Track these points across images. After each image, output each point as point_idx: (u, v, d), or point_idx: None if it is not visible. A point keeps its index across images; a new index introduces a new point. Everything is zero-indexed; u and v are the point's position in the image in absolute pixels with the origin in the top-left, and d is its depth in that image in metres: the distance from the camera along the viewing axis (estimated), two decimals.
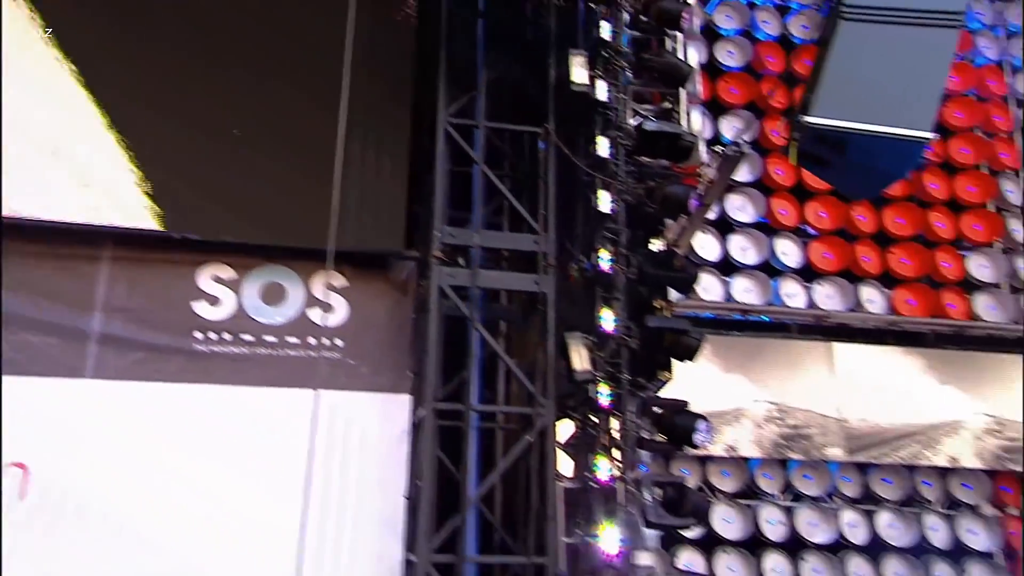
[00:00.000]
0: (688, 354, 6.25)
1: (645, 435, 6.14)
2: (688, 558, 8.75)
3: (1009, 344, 9.73)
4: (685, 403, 6.11)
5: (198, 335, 6.56)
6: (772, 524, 9.13)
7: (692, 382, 8.87)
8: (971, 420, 9.40)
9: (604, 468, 5.82)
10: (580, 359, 6.10)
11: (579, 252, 6.77)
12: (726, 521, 9.14)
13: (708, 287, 9.91)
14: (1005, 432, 9.38)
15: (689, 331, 6.27)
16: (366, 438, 6.48)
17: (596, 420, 6.13)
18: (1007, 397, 9.50)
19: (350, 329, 6.79)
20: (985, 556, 9.15)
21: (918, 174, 10.28)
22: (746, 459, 9.28)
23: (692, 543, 8.90)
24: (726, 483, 9.29)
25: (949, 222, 10.16)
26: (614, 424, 6.09)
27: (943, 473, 9.41)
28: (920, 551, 9.07)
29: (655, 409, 6.22)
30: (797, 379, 9.46)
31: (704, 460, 9.27)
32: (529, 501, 6.24)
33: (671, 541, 8.90)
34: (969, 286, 10.03)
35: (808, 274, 10.02)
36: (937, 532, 9.17)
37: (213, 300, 6.67)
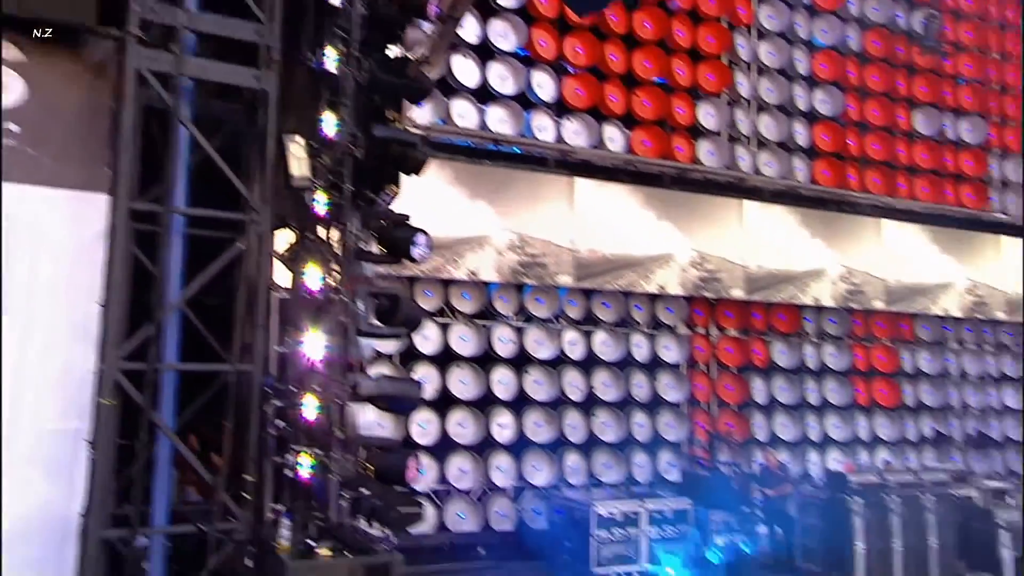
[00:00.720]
0: (415, 168, 6.11)
1: (366, 247, 6.05)
2: (424, 372, 9.22)
3: (721, 188, 10.92)
4: (406, 216, 6.06)
5: None
6: (503, 342, 9.86)
7: (439, 208, 8.97)
8: (680, 254, 10.60)
9: (315, 277, 5.69)
10: (299, 165, 5.75)
11: (307, 49, 6.19)
12: (462, 339, 9.71)
13: (464, 114, 9.85)
14: (705, 265, 10.72)
15: (417, 145, 6.11)
16: (50, 239, 5.72)
17: (315, 229, 5.92)
18: (711, 234, 10.80)
19: (29, 113, 5.76)
20: (673, 367, 10.71)
21: (669, 20, 10.70)
22: (486, 283, 9.77)
23: (428, 359, 9.38)
24: (466, 305, 9.78)
25: (688, 70, 10.83)
26: (334, 235, 5.91)
27: (652, 299, 10.66)
28: (624, 364, 10.38)
29: (377, 222, 6.11)
30: (539, 211, 9.93)
31: (447, 283, 9.62)
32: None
33: (409, 357, 9.31)
34: (696, 132, 10.94)
35: (560, 109, 10.27)
36: (640, 349, 10.54)
37: None
